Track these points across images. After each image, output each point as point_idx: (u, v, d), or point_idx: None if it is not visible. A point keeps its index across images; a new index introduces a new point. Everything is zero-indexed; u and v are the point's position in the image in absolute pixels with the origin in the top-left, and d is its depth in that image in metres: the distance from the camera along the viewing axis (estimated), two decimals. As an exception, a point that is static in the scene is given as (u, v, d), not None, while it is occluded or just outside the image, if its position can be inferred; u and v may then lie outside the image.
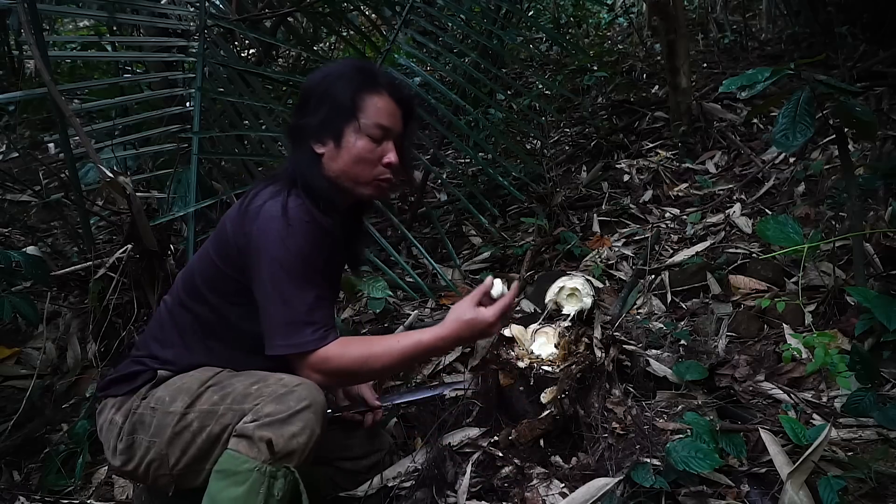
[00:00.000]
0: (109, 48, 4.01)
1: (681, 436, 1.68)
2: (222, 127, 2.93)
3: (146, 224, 2.23)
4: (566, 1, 6.26)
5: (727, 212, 3.07)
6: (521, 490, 1.63)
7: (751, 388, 1.95)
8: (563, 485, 1.62)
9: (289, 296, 1.41)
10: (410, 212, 3.79)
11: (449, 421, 1.88)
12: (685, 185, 3.54)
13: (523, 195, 3.55)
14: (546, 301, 1.98)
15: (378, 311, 2.71)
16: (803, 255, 2.00)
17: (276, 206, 1.43)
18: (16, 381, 2.56)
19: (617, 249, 3.06)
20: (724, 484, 1.55)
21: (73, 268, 2.51)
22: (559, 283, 1.97)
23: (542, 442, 1.74)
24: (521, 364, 1.79)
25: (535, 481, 1.65)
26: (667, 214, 3.30)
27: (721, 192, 3.31)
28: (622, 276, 2.84)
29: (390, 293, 2.71)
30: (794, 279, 2.42)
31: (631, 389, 1.95)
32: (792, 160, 3.29)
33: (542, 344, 1.86)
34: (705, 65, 4.96)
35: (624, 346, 2.05)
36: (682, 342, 2.22)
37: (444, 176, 4.14)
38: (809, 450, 1.45)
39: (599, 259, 2.96)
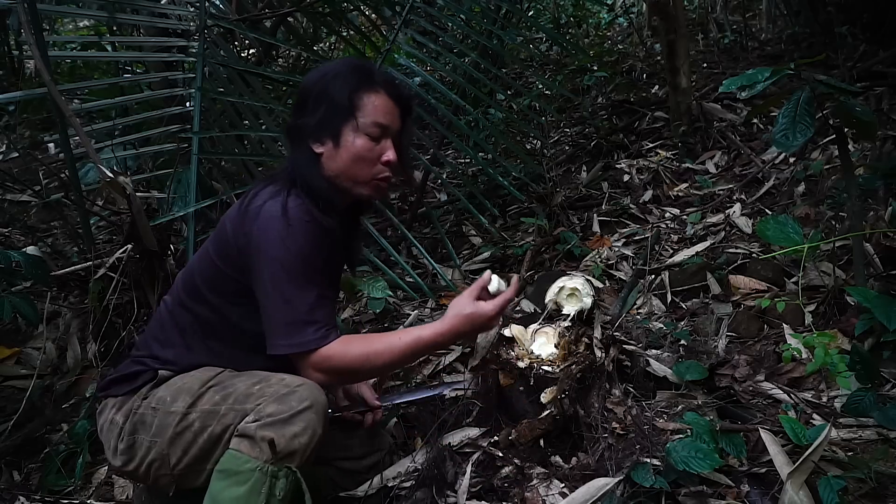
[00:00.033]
0: (109, 48, 4.01)
1: (681, 436, 1.68)
2: (222, 127, 2.94)
3: (146, 224, 2.23)
4: (566, 1, 6.26)
5: (727, 212, 3.07)
6: (521, 490, 1.63)
7: (751, 388, 1.95)
8: (563, 485, 1.62)
9: (290, 295, 1.41)
10: (410, 212, 3.79)
11: (449, 421, 1.88)
12: (685, 185, 3.54)
13: (523, 195, 3.55)
14: (546, 301, 1.98)
15: (378, 311, 2.71)
16: (803, 255, 2.00)
17: (276, 205, 1.43)
18: (16, 381, 2.56)
19: (617, 249, 3.06)
20: (724, 484, 1.55)
21: (73, 268, 2.51)
22: (559, 283, 1.97)
23: (542, 442, 1.74)
24: (521, 364, 1.78)
25: (535, 481, 1.65)
26: (667, 214, 3.30)
27: (721, 192, 3.31)
28: (622, 276, 2.84)
29: (390, 293, 2.71)
30: (794, 279, 2.42)
31: (631, 389, 1.95)
32: (792, 160, 3.29)
33: (542, 344, 1.86)
34: (705, 65, 4.96)
35: (624, 346, 2.05)
36: (682, 342, 2.22)
37: (444, 176, 4.14)
38: (809, 450, 1.45)
39: (599, 259, 2.96)
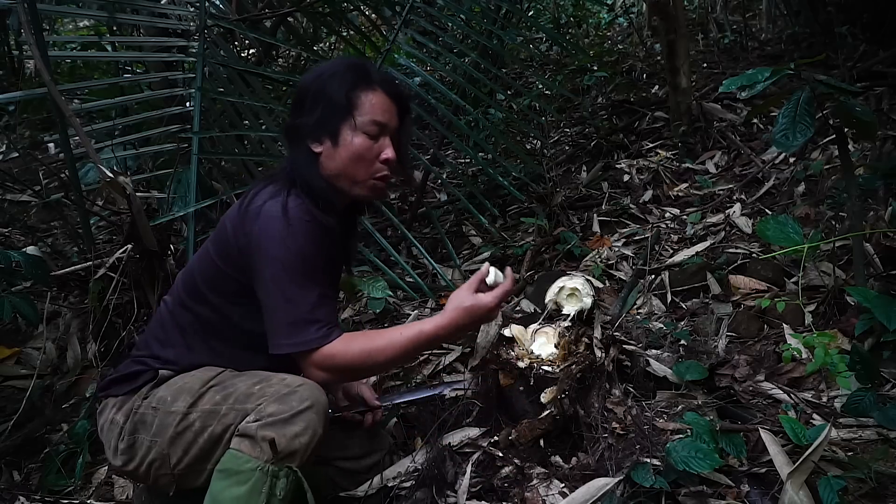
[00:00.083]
0: (109, 48, 4.01)
1: (681, 436, 1.68)
2: (222, 127, 2.94)
3: (146, 224, 2.23)
4: (566, 1, 6.26)
5: (727, 212, 3.07)
6: (521, 490, 1.63)
7: (751, 388, 1.95)
8: (563, 485, 1.62)
9: (291, 295, 1.41)
10: (410, 212, 3.79)
11: (449, 421, 1.88)
12: (685, 185, 3.54)
13: (523, 195, 3.55)
14: (546, 301, 1.98)
15: (378, 311, 2.71)
16: (803, 255, 2.00)
17: (277, 205, 1.43)
18: (16, 381, 2.56)
19: (617, 249, 3.06)
20: (724, 484, 1.55)
21: (73, 268, 2.51)
22: (559, 283, 1.97)
23: (542, 442, 1.74)
24: (521, 364, 1.79)
25: (535, 481, 1.65)
26: (667, 214, 3.30)
27: (721, 192, 3.31)
28: (622, 276, 2.84)
29: (390, 293, 2.72)
30: (794, 279, 2.42)
31: (631, 389, 1.95)
32: (792, 160, 3.29)
33: (542, 344, 1.86)
34: (705, 65, 4.96)
35: (624, 346, 2.05)
36: (682, 342, 2.22)
37: (444, 176, 4.15)
38: (809, 450, 1.45)
39: (599, 259, 2.96)
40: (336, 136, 1.50)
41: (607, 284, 2.78)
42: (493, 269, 1.58)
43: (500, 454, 1.74)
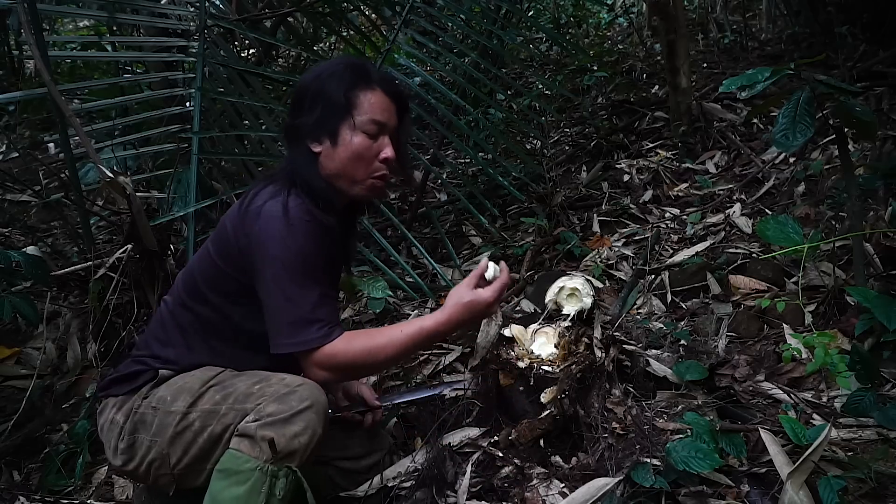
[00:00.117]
0: (109, 48, 4.01)
1: (681, 436, 1.68)
2: (222, 127, 2.94)
3: (146, 224, 2.23)
4: (566, 1, 6.26)
5: (727, 212, 3.07)
6: (521, 490, 1.63)
7: (751, 388, 1.95)
8: (563, 485, 1.62)
9: (292, 294, 1.41)
10: (410, 212, 3.79)
11: (449, 421, 1.88)
12: (685, 185, 3.53)
13: (523, 195, 3.55)
14: (546, 301, 1.98)
15: (378, 311, 2.71)
16: (803, 255, 2.00)
17: (277, 205, 1.43)
18: (16, 381, 2.56)
19: (617, 249, 3.06)
20: (724, 484, 1.55)
21: (73, 268, 2.51)
22: (559, 283, 1.97)
23: (542, 442, 1.74)
24: (521, 364, 1.78)
25: (535, 481, 1.65)
26: (667, 214, 3.30)
27: (721, 192, 3.31)
28: (622, 276, 2.84)
29: (390, 293, 2.72)
30: (794, 279, 2.42)
31: (631, 389, 1.95)
32: (792, 160, 3.29)
33: (542, 344, 1.86)
34: (705, 65, 4.96)
35: (624, 346, 2.05)
36: (682, 342, 2.22)
37: (444, 176, 4.14)
38: (809, 450, 1.45)
39: (599, 259, 2.96)
40: (335, 135, 1.50)
41: (607, 284, 2.78)
42: (491, 264, 1.59)
43: (500, 454, 1.74)
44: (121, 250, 2.30)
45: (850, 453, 1.60)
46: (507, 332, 1.89)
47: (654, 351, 2.18)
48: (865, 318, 1.90)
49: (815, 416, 1.78)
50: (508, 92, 4.71)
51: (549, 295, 1.97)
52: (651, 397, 1.95)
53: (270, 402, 1.38)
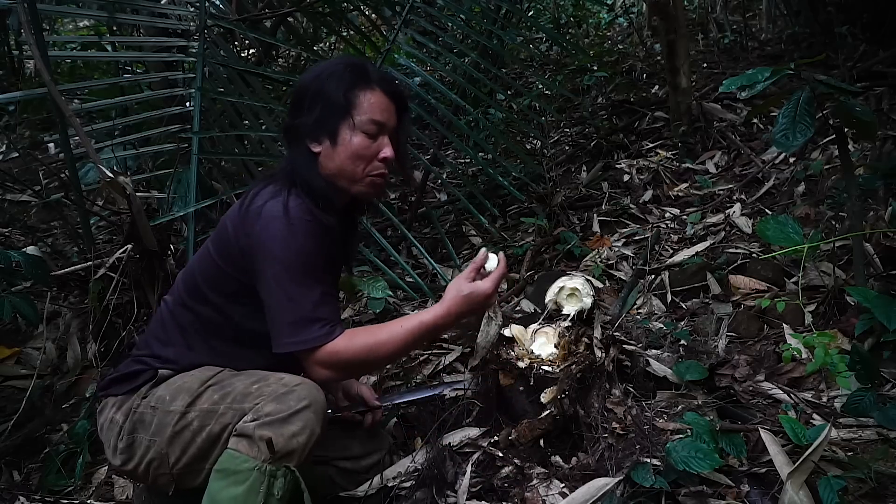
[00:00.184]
0: (109, 48, 4.01)
1: (681, 436, 1.68)
2: (222, 127, 2.94)
3: (146, 224, 2.23)
4: (566, 1, 6.26)
5: (727, 212, 3.07)
6: (521, 490, 1.63)
7: (751, 388, 1.94)
8: (563, 485, 1.62)
9: (294, 294, 1.41)
10: (410, 212, 3.79)
11: (449, 421, 1.88)
12: (685, 185, 3.53)
13: (523, 195, 3.55)
14: (546, 301, 1.98)
15: (378, 311, 2.71)
16: (803, 255, 1.99)
17: (277, 205, 1.43)
18: (16, 381, 2.56)
19: (617, 249, 3.06)
20: (724, 484, 1.55)
21: (73, 268, 2.51)
22: (559, 283, 1.97)
23: (542, 442, 1.74)
24: (521, 364, 1.78)
25: (535, 481, 1.64)
26: (667, 214, 3.30)
27: (721, 192, 3.31)
28: (622, 276, 2.84)
29: (390, 293, 2.71)
30: (794, 279, 2.41)
31: (631, 389, 1.94)
32: (792, 160, 3.29)
33: (542, 344, 1.86)
34: (705, 65, 4.96)
35: (624, 346, 2.05)
36: (682, 342, 2.22)
37: (444, 176, 4.14)
38: (809, 450, 1.45)
39: (599, 259, 2.96)
40: (335, 135, 1.50)
41: (607, 284, 2.78)
42: (491, 255, 1.60)
43: (500, 454, 1.74)
44: (121, 250, 2.30)
45: (850, 453, 1.60)
46: (507, 332, 1.89)
47: (654, 351, 2.18)
48: (865, 318, 1.90)
49: (815, 416, 1.78)
50: (508, 92, 4.71)
51: (549, 295, 1.97)
52: (651, 397, 1.95)
53: (268, 401, 1.38)
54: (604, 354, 1.84)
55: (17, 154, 3.78)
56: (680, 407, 1.86)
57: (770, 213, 2.94)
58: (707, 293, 2.54)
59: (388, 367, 2.38)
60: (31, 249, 2.58)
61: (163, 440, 1.44)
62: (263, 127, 3.05)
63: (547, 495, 1.59)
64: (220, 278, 1.53)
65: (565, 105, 5.18)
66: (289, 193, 1.46)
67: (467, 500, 1.64)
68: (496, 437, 1.79)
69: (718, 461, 1.51)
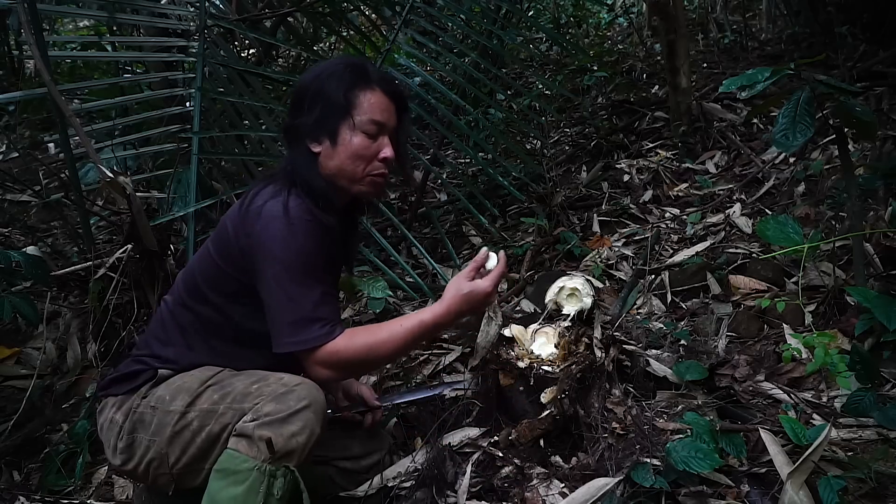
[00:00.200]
0: (109, 48, 4.01)
1: (681, 436, 1.68)
2: (222, 127, 2.94)
3: (146, 224, 2.23)
4: (566, 1, 6.26)
5: (727, 212, 3.07)
6: (521, 490, 1.63)
7: (751, 388, 1.94)
8: (563, 485, 1.62)
9: (294, 294, 1.41)
10: (410, 212, 3.79)
11: (449, 421, 1.88)
12: (685, 185, 3.54)
13: (523, 195, 3.55)
14: (546, 301, 1.98)
15: (378, 311, 2.71)
16: (803, 255, 1.99)
17: (278, 205, 1.43)
18: (16, 381, 2.56)
19: (617, 249, 3.06)
20: (724, 484, 1.55)
21: (73, 268, 2.51)
22: (559, 283, 1.97)
23: (542, 442, 1.74)
24: (521, 364, 1.78)
25: (535, 481, 1.64)
26: (667, 214, 3.30)
27: (721, 192, 3.31)
28: (622, 276, 2.84)
29: (390, 293, 2.71)
30: (794, 279, 2.41)
31: (631, 389, 1.94)
32: (792, 160, 3.29)
33: (542, 344, 1.86)
34: (705, 65, 4.96)
35: (624, 346, 2.05)
36: (682, 342, 2.22)
37: (444, 176, 4.14)
38: (809, 450, 1.45)
39: (599, 259, 2.96)
40: (335, 135, 1.50)
41: (607, 284, 2.78)
42: (491, 254, 1.61)
43: (500, 454, 1.74)
44: (121, 250, 2.30)
45: (850, 453, 1.60)
46: (507, 332, 1.89)
47: (654, 351, 2.18)
48: (865, 318, 1.90)
49: (815, 416, 1.78)
50: (508, 92, 4.71)
51: (549, 295, 1.97)
52: (651, 397, 1.95)
53: (268, 401, 1.38)
54: (604, 354, 1.84)
55: (17, 154, 3.78)
56: (680, 407, 1.86)
57: (770, 213, 2.94)
58: (707, 293, 2.54)
59: (387, 366, 2.38)
60: (31, 249, 2.58)
61: (162, 440, 1.44)
62: (263, 127, 3.05)
63: (547, 495, 1.59)
64: (220, 278, 1.53)
65: (565, 105, 5.18)
66: (289, 193, 1.46)
67: (467, 500, 1.64)
68: (496, 437, 1.79)
69: (718, 461, 1.51)
